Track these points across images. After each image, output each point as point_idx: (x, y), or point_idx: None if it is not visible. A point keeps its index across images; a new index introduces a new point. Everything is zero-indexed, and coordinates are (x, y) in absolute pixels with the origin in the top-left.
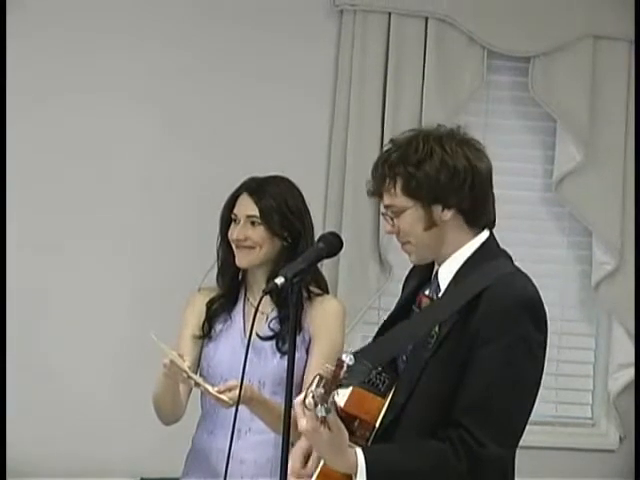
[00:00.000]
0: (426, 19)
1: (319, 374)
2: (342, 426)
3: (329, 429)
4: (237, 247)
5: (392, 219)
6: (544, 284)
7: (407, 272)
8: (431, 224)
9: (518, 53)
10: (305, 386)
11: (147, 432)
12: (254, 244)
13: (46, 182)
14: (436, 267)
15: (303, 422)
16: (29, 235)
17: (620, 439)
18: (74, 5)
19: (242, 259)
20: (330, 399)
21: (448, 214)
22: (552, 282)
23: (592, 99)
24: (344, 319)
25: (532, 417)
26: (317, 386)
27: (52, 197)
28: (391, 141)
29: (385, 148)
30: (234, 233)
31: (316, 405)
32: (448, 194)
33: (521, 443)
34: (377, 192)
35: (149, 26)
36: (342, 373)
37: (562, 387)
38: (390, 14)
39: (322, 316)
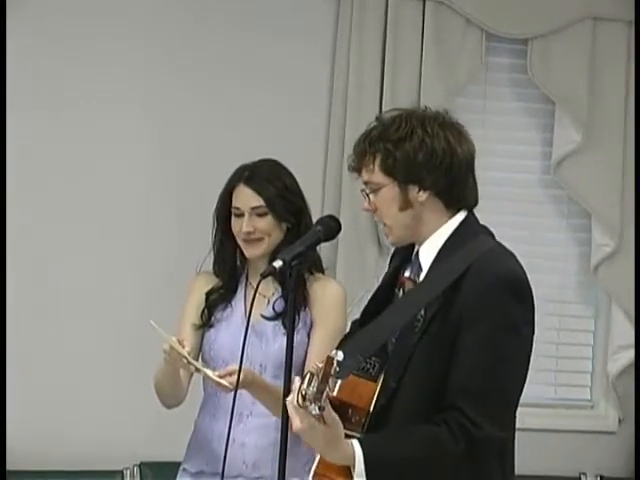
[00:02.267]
0: (423, 2)
1: (309, 371)
2: (337, 418)
3: (325, 423)
4: (245, 240)
5: (369, 196)
6: (543, 267)
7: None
8: (407, 204)
9: (516, 35)
10: (306, 371)
11: (147, 416)
12: (263, 234)
13: (45, 181)
14: (417, 247)
15: (297, 421)
16: (29, 234)
17: (619, 421)
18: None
19: (253, 251)
20: (323, 397)
21: (424, 195)
22: (551, 264)
23: (590, 81)
24: (345, 303)
25: (532, 399)
26: (308, 384)
27: (51, 195)
28: (376, 119)
29: (370, 125)
30: (242, 226)
31: (310, 404)
32: (424, 175)
33: (521, 425)
34: (357, 167)
35: (145, 23)
36: (332, 370)
37: (561, 369)
38: None
39: (323, 300)
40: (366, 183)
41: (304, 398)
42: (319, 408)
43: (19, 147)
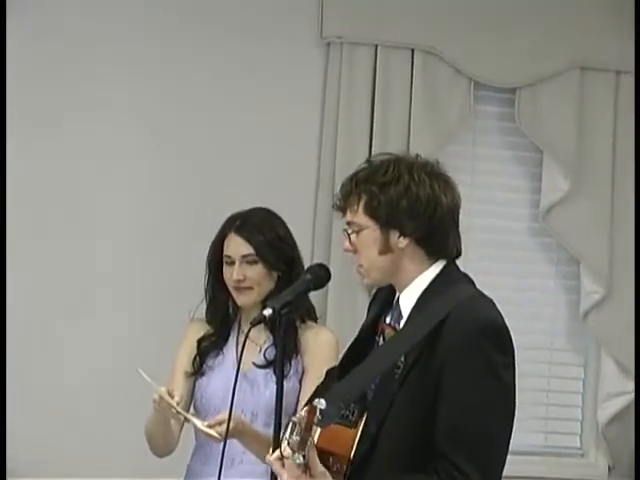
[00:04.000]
0: (412, 51)
1: (292, 420)
2: (324, 470)
3: (311, 475)
4: (236, 288)
5: (350, 236)
6: (533, 314)
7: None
8: (387, 249)
9: (504, 84)
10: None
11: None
12: (252, 284)
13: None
14: (397, 294)
15: (285, 476)
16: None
17: (609, 469)
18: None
19: (244, 299)
20: (307, 446)
21: (404, 242)
22: (541, 312)
23: (578, 130)
24: (337, 350)
25: (522, 447)
26: (291, 433)
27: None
28: (366, 161)
29: (359, 166)
30: (232, 274)
31: (293, 453)
32: (406, 221)
33: (511, 473)
34: (342, 207)
35: (141, 44)
36: (315, 418)
37: (551, 417)
38: (377, 46)
39: (315, 347)
40: (349, 223)
41: (289, 446)
42: (303, 457)
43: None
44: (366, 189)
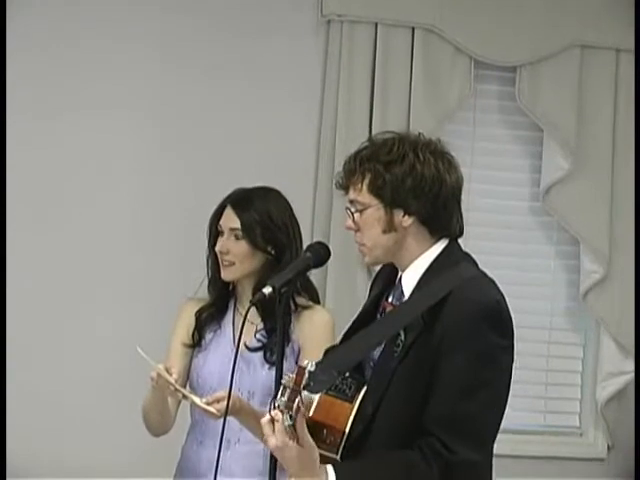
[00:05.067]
0: (413, 29)
1: (282, 384)
2: (313, 443)
3: (299, 444)
4: (221, 260)
5: (353, 214)
6: (532, 293)
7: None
8: (390, 227)
9: (505, 63)
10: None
11: (132, 442)
12: (234, 259)
13: (41, 193)
14: (400, 273)
15: (272, 440)
16: (29, 239)
17: (608, 448)
18: (72, 15)
19: (225, 273)
20: (294, 406)
21: (408, 221)
22: (540, 291)
23: (579, 108)
24: (333, 331)
25: (521, 427)
26: (281, 395)
27: (46, 209)
28: (369, 139)
29: (362, 144)
30: (218, 245)
31: (282, 414)
32: (411, 200)
33: (510, 452)
34: (345, 185)
35: (141, 41)
36: (304, 380)
37: (550, 396)
38: (377, 25)
39: (310, 328)
40: (352, 202)
41: (277, 408)
42: (290, 417)
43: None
44: (370, 167)
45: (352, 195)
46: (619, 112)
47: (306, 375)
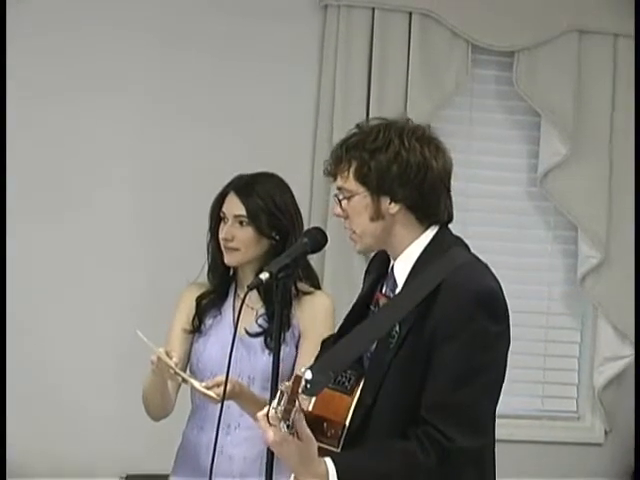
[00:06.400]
0: (410, 14)
1: (280, 390)
2: (311, 435)
3: (298, 438)
4: (224, 246)
5: (341, 202)
6: (530, 278)
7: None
8: (377, 215)
9: (502, 47)
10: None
11: (134, 428)
12: (239, 245)
13: (43, 182)
14: (392, 262)
15: (270, 434)
16: (29, 234)
17: (605, 433)
18: (73, 7)
19: (229, 259)
20: (291, 415)
21: (395, 208)
22: (538, 276)
23: (577, 93)
24: (333, 315)
25: (518, 411)
26: (278, 402)
27: (49, 197)
28: (357, 126)
29: (350, 131)
30: (222, 232)
31: (279, 422)
32: (396, 187)
33: (507, 437)
34: (332, 173)
35: (142, 26)
36: (300, 388)
37: (548, 381)
38: (374, 9)
39: (311, 312)
40: (339, 189)
41: (275, 414)
42: (287, 427)
43: (18, 145)
44: (356, 155)
45: (339, 182)
46: (617, 97)
47: (302, 383)
